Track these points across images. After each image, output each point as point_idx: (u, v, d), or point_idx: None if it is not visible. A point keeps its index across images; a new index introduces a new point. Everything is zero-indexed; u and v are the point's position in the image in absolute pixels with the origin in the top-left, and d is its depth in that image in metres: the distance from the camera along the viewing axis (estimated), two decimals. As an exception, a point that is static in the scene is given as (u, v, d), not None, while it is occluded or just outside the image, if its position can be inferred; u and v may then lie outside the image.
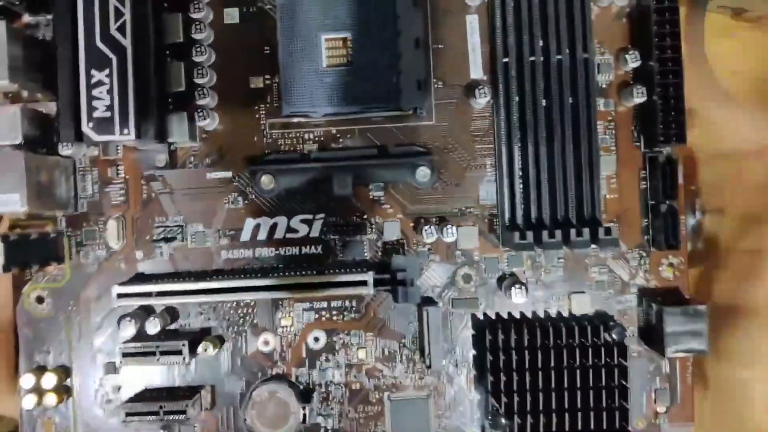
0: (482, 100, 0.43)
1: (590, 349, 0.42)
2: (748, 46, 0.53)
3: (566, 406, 0.41)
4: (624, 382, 0.42)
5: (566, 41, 0.42)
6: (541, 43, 0.42)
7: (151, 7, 0.40)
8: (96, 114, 0.39)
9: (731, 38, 0.53)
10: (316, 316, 0.44)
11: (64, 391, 0.43)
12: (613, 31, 0.44)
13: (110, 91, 0.39)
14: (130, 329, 0.42)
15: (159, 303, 0.43)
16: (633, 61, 0.43)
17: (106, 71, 0.39)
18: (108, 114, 0.39)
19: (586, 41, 0.42)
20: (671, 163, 0.43)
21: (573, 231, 0.41)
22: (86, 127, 0.39)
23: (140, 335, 0.43)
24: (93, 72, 0.39)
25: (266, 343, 0.44)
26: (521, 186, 0.43)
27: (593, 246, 0.41)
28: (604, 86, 0.44)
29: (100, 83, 0.39)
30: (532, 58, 0.43)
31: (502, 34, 0.43)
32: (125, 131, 0.39)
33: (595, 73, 0.43)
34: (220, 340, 0.44)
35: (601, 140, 0.44)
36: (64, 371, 0.44)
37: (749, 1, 0.51)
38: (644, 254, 0.44)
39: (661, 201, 0.43)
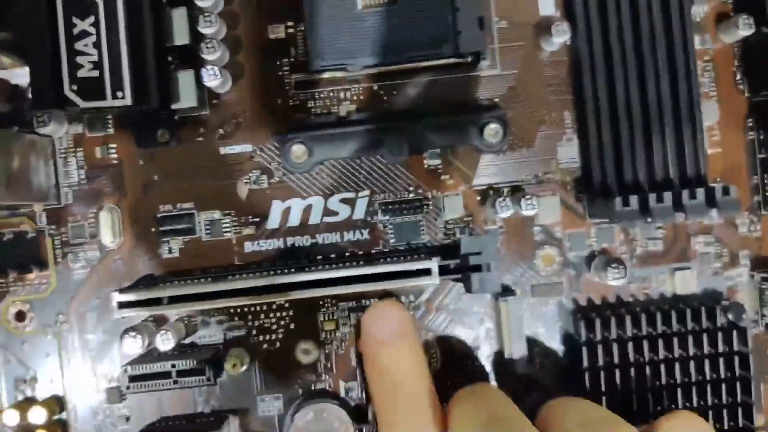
0: (558, 40, 0.35)
1: (705, 336, 0.35)
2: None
3: (679, 404, 0.35)
4: (746, 373, 0.35)
5: (654, -36, 0.35)
6: (625, -34, 0.35)
7: (145, -62, 0.32)
8: (81, 73, 0.31)
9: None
10: (366, 316, 0.36)
11: (58, 426, 0.37)
12: (706, -51, 0.37)
13: (97, 45, 0.31)
14: (136, 346, 0.34)
15: (171, 311, 0.36)
16: (735, -16, 0.36)
17: (91, 19, 0.31)
18: (96, 73, 0.31)
19: (677, -37, 0.35)
20: (786, 107, 0.36)
21: (686, 193, 0.33)
22: (69, 91, 0.31)
23: (150, 353, 0.35)
24: (74, 20, 0.31)
25: (307, 352, 0.37)
26: (610, 143, 0.35)
27: (711, 211, 0.33)
28: (697, 20, 0.37)
29: (84, 34, 0.31)
30: (616, -13, 0.35)
31: (578, -41, 0.35)
32: (119, 94, 0.31)
33: (690, 4, 0.35)
34: (249, 354, 0.36)
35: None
36: (57, 403, 0.37)
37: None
38: (755, 219, 0.37)
39: (776, 153, 0.36)
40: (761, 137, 0.37)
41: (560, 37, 0.35)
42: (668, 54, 0.35)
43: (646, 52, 0.35)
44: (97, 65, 0.31)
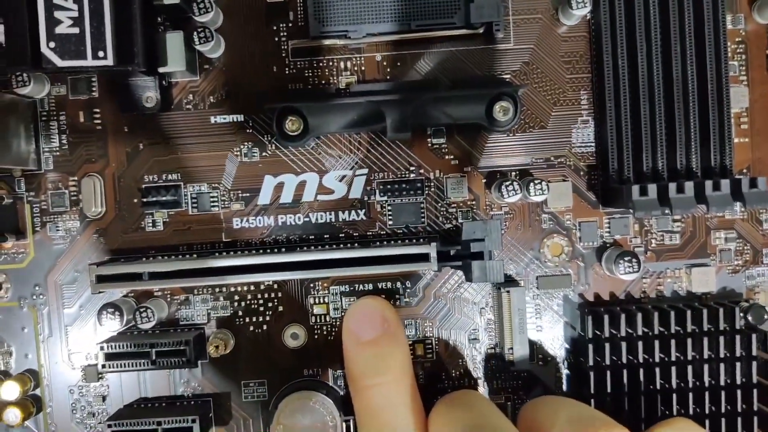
0: (579, 12, 0.33)
1: (722, 338, 0.32)
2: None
3: (689, 409, 0.33)
4: (764, 380, 0.34)
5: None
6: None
7: None
8: (59, 30, 0.29)
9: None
10: (359, 301, 0.34)
11: (32, 403, 0.35)
12: None
13: (78, -1, 0.29)
14: (114, 323, 0.34)
15: (153, 288, 0.34)
16: (774, -43, 0.33)
17: (71, -29, 0.29)
18: (76, 30, 0.29)
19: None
20: (823, 95, 0.33)
21: (709, 184, 0.31)
22: (46, 48, 0.29)
23: (129, 331, 0.34)
24: (53, -29, 0.29)
25: (295, 337, 0.35)
26: (629, 127, 0.33)
27: (735, 204, 0.31)
28: (730, -4, 0.34)
29: (63, -13, 0.29)
30: (642, -44, 0.33)
31: None
32: (100, 54, 0.29)
33: (722, -23, 0.33)
34: (234, 336, 0.35)
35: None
36: (32, 378, 0.35)
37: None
38: (782, 214, 0.35)
39: (810, 144, 0.33)
40: (793, 127, 0.34)
41: (581, 9, 0.32)
42: (697, 33, 0.34)
43: (673, 30, 0.33)
44: (78, 21, 0.29)
